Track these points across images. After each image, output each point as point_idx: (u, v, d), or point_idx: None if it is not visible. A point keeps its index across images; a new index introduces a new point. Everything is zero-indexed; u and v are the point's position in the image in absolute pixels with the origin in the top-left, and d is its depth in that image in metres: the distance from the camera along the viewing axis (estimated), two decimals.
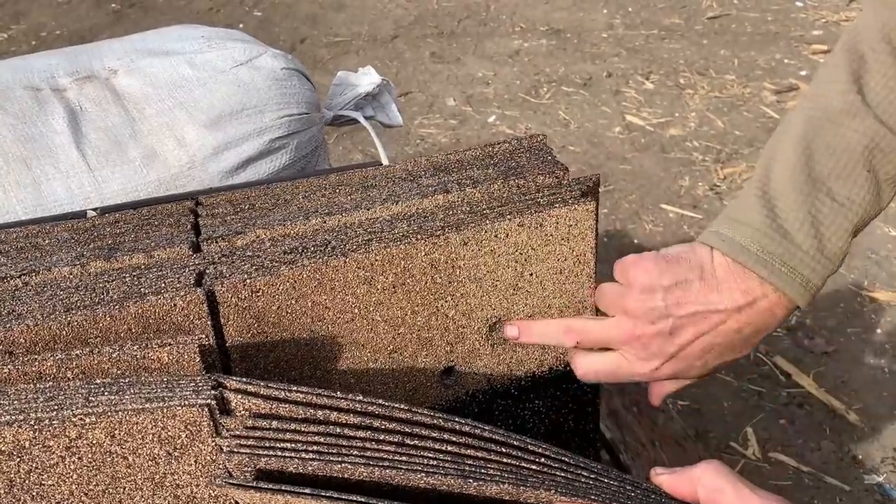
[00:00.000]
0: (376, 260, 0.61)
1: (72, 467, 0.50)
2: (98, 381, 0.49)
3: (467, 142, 2.83)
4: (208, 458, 0.51)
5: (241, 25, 3.66)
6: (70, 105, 0.76)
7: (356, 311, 0.62)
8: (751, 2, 3.90)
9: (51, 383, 0.50)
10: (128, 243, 0.61)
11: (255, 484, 0.46)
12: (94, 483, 0.51)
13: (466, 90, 3.16)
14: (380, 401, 0.49)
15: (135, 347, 0.50)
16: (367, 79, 0.91)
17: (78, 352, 0.50)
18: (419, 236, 0.62)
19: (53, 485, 0.50)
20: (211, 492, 0.52)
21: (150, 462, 0.51)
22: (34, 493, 0.50)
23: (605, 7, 3.82)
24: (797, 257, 0.63)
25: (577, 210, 0.66)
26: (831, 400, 1.88)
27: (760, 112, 3.02)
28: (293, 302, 0.59)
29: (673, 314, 0.64)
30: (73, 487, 0.51)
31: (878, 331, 2.07)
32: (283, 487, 0.46)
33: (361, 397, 0.50)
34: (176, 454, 0.50)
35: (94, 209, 0.63)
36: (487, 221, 0.64)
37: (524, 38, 3.55)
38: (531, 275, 0.68)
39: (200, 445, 0.50)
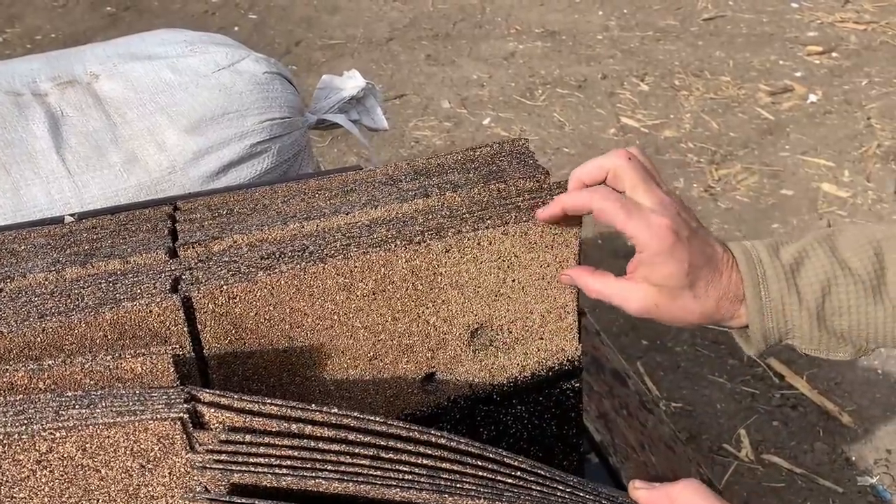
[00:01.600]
0: (356, 266, 0.61)
1: (43, 480, 0.49)
2: (69, 394, 0.49)
3: (462, 144, 2.83)
4: (182, 470, 0.51)
5: (236, 28, 3.66)
6: (51, 110, 0.75)
7: (335, 317, 0.62)
8: (746, 3, 3.90)
9: (21, 396, 0.49)
10: (104, 249, 0.60)
11: (228, 499, 0.46)
12: (66, 496, 0.50)
13: (461, 92, 3.16)
14: (355, 413, 0.48)
15: (108, 358, 0.50)
16: (351, 82, 0.90)
17: (50, 362, 0.49)
18: (399, 242, 0.62)
19: (25, 498, 0.50)
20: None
21: (123, 475, 0.50)
22: None
23: (600, 9, 3.82)
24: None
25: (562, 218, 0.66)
26: (824, 402, 1.88)
27: (755, 113, 3.02)
28: (271, 308, 0.59)
29: None
30: (45, 500, 0.50)
31: None
32: (256, 503, 0.45)
33: (336, 410, 0.49)
34: (149, 466, 0.50)
35: (72, 214, 0.63)
36: (470, 229, 0.64)
37: (519, 40, 3.55)
38: (514, 281, 0.67)
39: (174, 458, 0.50)
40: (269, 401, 0.49)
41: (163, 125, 0.77)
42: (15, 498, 0.50)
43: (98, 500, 0.51)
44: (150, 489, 0.51)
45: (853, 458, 1.76)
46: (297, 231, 0.63)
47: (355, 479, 0.46)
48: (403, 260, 0.62)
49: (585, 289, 0.65)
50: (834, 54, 3.44)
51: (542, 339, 0.71)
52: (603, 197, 0.60)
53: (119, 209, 0.65)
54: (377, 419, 0.49)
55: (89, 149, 0.74)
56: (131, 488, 0.51)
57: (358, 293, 0.61)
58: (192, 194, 0.71)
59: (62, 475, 0.50)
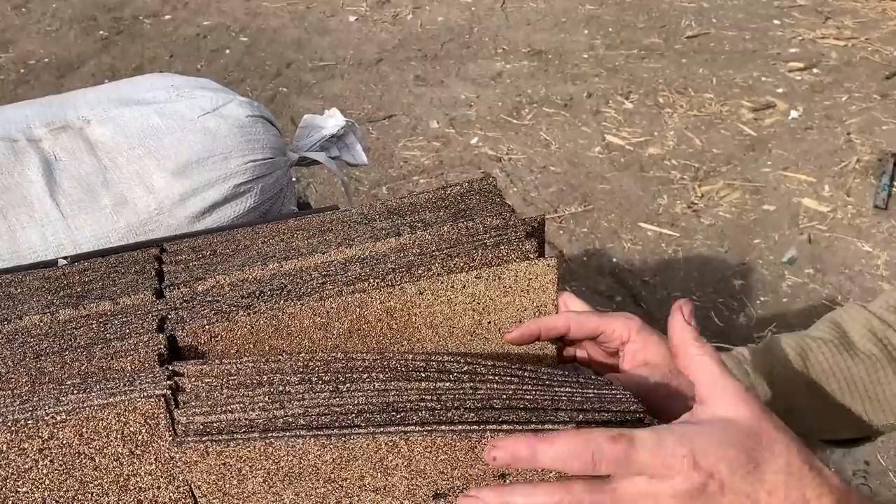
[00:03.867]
0: (332, 307, 0.64)
1: (44, 472, 0.54)
2: (68, 383, 0.54)
3: (450, 163, 2.87)
4: (167, 455, 0.56)
5: (227, 51, 3.71)
6: (45, 155, 0.80)
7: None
8: (729, 20, 3.96)
9: (27, 388, 0.54)
10: (95, 291, 0.64)
11: (209, 438, 0.52)
12: (64, 488, 0.55)
13: (449, 112, 3.21)
14: (319, 355, 0.54)
15: (101, 359, 0.56)
16: (332, 121, 0.95)
17: (50, 368, 0.55)
18: (373, 282, 0.65)
19: (28, 491, 0.54)
20: (170, 495, 0.57)
21: (114, 462, 0.55)
22: (10, 502, 0.54)
23: (586, 28, 3.88)
24: None
25: (537, 265, 0.67)
26: None
27: (737, 130, 3.07)
28: (251, 346, 0.63)
29: None
30: (46, 494, 0.55)
31: None
32: (234, 436, 0.51)
33: (304, 354, 0.55)
34: (137, 452, 0.55)
35: (65, 257, 0.67)
36: (442, 270, 0.66)
37: (506, 59, 3.60)
38: (489, 323, 0.69)
39: (159, 441, 0.55)
40: (245, 359, 0.55)
41: (151, 168, 0.81)
42: (18, 492, 0.54)
43: (92, 494, 0.56)
44: (138, 479, 0.56)
45: (832, 470, 1.80)
46: (276, 270, 0.67)
47: (317, 410, 0.53)
48: (378, 301, 0.66)
49: None
50: (815, 70, 3.50)
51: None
52: (575, 312, 0.67)
53: (109, 251, 0.69)
54: (339, 356, 0.55)
55: (81, 192, 0.78)
56: (122, 479, 0.56)
57: (334, 332, 0.65)
58: (178, 236, 0.75)
59: (61, 465, 0.54)
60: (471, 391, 0.56)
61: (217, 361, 0.56)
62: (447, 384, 0.56)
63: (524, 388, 0.57)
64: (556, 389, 0.57)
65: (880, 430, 0.69)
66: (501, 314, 0.68)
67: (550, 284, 0.68)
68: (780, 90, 3.35)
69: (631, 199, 2.70)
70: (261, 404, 0.54)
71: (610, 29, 3.87)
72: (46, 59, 3.65)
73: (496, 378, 0.58)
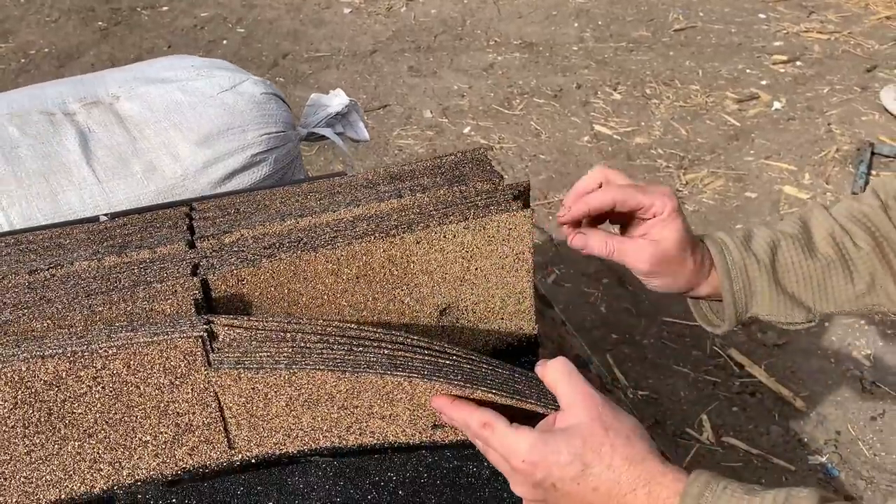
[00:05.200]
0: (342, 255, 0.74)
1: (97, 396, 0.63)
2: (117, 324, 0.63)
3: (443, 152, 2.96)
4: (202, 386, 0.65)
5: (224, 42, 3.78)
6: (80, 127, 0.88)
7: (325, 297, 0.75)
8: (716, 14, 4.06)
9: (81, 326, 0.63)
10: (135, 242, 0.73)
11: (242, 366, 0.63)
12: (113, 412, 0.64)
13: (442, 102, 3.29)
14: (335, 322, 0.64)
15: (144, 302, 0.65)
16: (337, 100, 1.04)
17: (100, 308, 0.64)
18: (377, 235, 0.75)
19: (82, 413, 0.63)
20: (203, 419, 0.66)
21: (156, 390, 0.64)
22: (67, 421, 0.63)
23: (576, 21, 3.97)
24: None
25: (515, 216, 0.78)
26: (780, 388, 2.02)
27: (722, 120, 3.17)
28: (272, 289, 0.72)
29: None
30: (97, 415, 0.64)
31: (826, 324, 2.22)
32: (263, 366, 0.62)
33: (322, 320, 0.65)
34: (177, 382, 0.64)
35: (106, 214, 0.75)
36: (437, 223, 0.77)
37: (498, 51, 3.69)
38: (476, 269, 0.80)
39: (196, 375, 0.64)
40: (269, 317, 0.64)
41: (176, 139, 0.90)
42: (74, 413, 0.63)
43: (136, 417, 0.65)
44: (176, 406, 0.65)
45: (805, 440, 1.90)
46: (292, 226, 0.76)
47: (335, 362, 0.61)
48: (381, 250, 0.75)
49: (601, 249, 0.80)
50: (798, 63, 3.60)
51: (502, 319, 0.84)
52: (619, 187, 0.75)
53: (144, 210, 0.78)
54: (352, 326, 0.64)
55: (114, 160, 0.87)
56: (162, 405, 0.65)
57: (344, 277, 0.74)
58: (204, 197, 0.84)
59: (111, 391, 0.64)
60: (462, 365, 0.66)
61: (245, 318, 0.65)
62: (444, 361, 0.66)
63: (486, 368, 0.67)
64: (500, 371, 0.68)
65: (823, 317, 0.82)
66: (486, 261, 0.78)
67: (527, 234, 0.79)
68: (763, 82, 3.44)
69: None
70: (286, 354, 0.63)
71: (599, 22, 3.96)
72: (46, 49, 3.71)
73: (480, 361, 0.68)
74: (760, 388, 2.04)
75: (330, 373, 0.64)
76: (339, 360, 0.63)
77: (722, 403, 2.00)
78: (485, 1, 4.20)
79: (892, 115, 3.16)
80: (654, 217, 0.75)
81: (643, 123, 3.14)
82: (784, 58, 3.62)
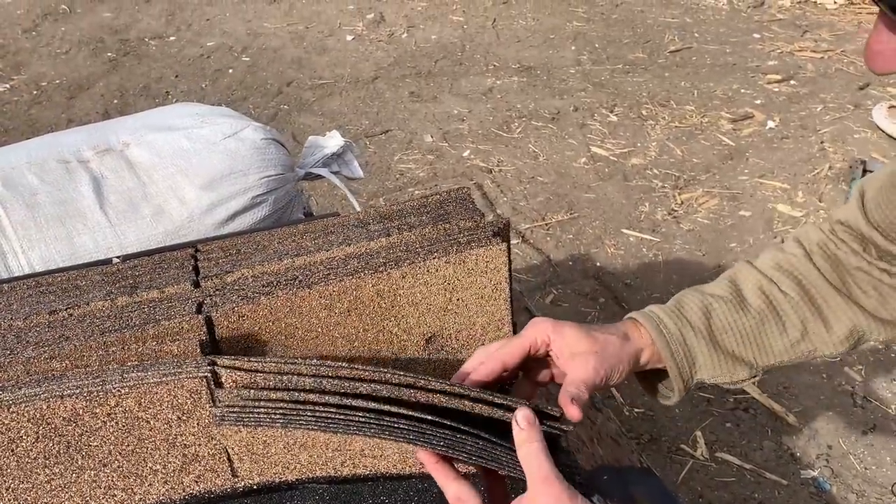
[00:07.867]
0: (334, 291, 0.80)
1: (111, 430, 0.70)
2: (129, 365, 0.70)
3: (444, 175, 3.03)
4: (206, 420, 0.71)
5: (230, 70, 3.87)
6: (93, 174, 0.95)
7: (319, 330, 0.82)
8: (711, 35, 4.13)
9: (97, 366, 0.70)
10: (145, 282, 0.80)
11: (241, 423, 0.68)
12: (126, 444, 0.71)
13: (443, 127, 3.37)
14: (328, 363, 0.69)
15: (153, 344, 0.71)
16: (332, 141, 1.11)
17: (114, 349, 0.71)
18: (367, 271, 0.81)
19: (97, 445, 0.70)
20: (209, 450, 0.72)
21: (165, 425, 0.71)
22: (84, 453, 0.70)
23: (573, 44, 4.05)
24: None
25: (492, 250, 0.85)
26: (773, 404, 2.07)
27: (717, 140, 3.23)
28: (271, 324, 0.79)
29: None
30: (111, 447, 0.71)
31: None
32: (261, 423, 0.67)
33: (315, 360, 0.70)
34: (184, 418, 0.70)
35: (118, 257, 0.82)
36: (420, 259, 0.83)
37: (497, 76, 3.77)
38: (458, 299, 0.86)
39: (201, 411, 0.71)
40: (267, 359, 0.70)
41: (182, 184, 0.97)
42: (91, 446, 0.70)
43: (147, 448, 0.71)
44: (183, 438, 0.72)
45: (798, 454, 1.95)
46: (289, 265, 0.83)
47: (326, 423, 0.67)
48: (370, 285, 0.81)
49: (571, 396, 0.74)
50: (792, 82, 3.67)
51: (483, 345, 0.91)
52: (496, 351, 0.76)
53: (153, 252, 0.85)
54: (345, 366, 0.69)
55: (125, 204, 0.94)
56: (170, 438, 0.71)
57: (336, 311, 0.81)
58: (208, 238, 0.91)
59: (124, 426, 0.70)
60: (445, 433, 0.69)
61: (245, 359, 0.71)
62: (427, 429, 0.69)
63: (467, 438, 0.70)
64: (479, 442, 0.69)
65: (764, 371, 0.84)
66: (467, 292, 0.85)
67: (503, 265, 0.85)
68: (758, 101, 3.51)
69: (614, 206, 2.86)
70: (281, 412, 0.68)
71: (596, 45, 4.04)
72: (57, 81, 3.80)
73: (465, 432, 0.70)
74: (753, 404, 2.09)
75: (322, 431, 0.69)
76: (330, 420, 0.68)
77: (716, 420, 2.05)
78: (484, 26, 4.29)
79: (884, 132, 3.22)
80: (547, 346, 0.77)
81: (639, 144, 3.21)
82: (778, 77, 3.68)
